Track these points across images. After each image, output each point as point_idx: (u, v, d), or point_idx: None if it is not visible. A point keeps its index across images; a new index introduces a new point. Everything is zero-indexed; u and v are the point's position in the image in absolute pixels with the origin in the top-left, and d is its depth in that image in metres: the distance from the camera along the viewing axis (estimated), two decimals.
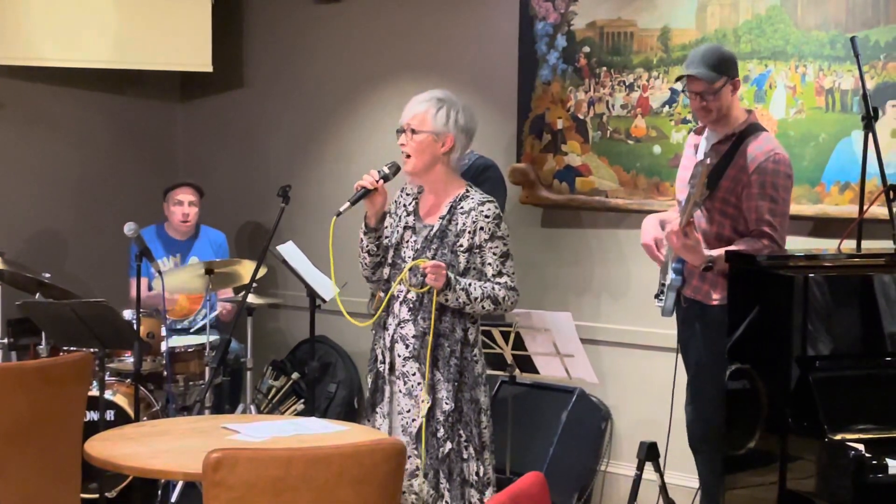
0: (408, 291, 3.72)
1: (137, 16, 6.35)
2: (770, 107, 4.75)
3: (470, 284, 3.66)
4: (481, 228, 3.70)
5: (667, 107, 5.08)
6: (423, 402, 3.68)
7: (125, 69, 6.52)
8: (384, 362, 3.78)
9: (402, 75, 6.03)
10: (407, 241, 3.77)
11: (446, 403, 3.68)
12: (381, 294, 3.84)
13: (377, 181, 3.72)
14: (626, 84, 5.20)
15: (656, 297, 4.20)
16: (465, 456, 3.71)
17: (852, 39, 4.08)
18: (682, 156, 4.66)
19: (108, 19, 6.29)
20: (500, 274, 3.72)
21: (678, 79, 4.19)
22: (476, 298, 3.66)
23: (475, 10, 5.80)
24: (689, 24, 5.00)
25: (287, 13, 6.65)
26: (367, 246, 3.80)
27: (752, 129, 4.05)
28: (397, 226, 3.81)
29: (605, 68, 5.27)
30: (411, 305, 3.73)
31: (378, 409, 3.80)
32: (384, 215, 3.82)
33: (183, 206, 5.95)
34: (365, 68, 6.26)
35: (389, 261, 3.80)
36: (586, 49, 5.31)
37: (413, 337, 3.72)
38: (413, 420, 3.71)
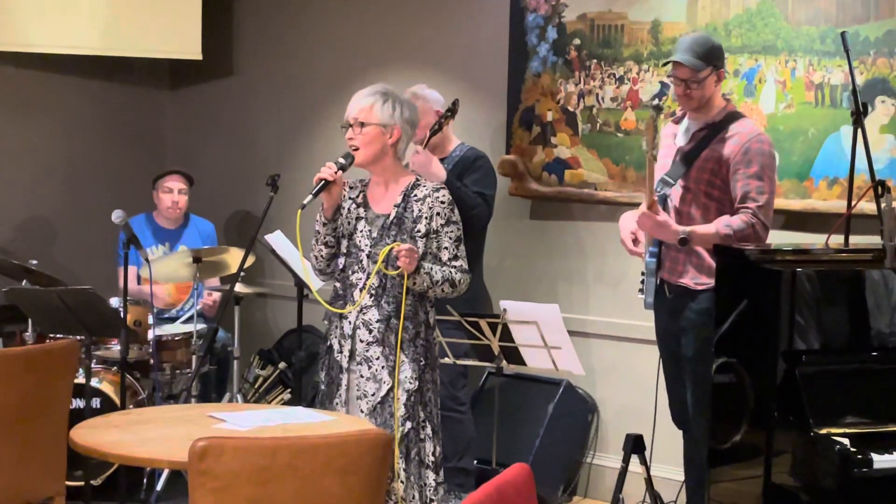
0: (368, 279, 3.77)
1: (127, 3, 6.32)
2: (759, 101, 4.76)
3: (432, 268, 3.75)
4: (437, 214, 3.78)
5: (657, 100, 5.08)
6: (384, 382, 3.75)
7: (114, 56, 6.49)
8: (341, 351, 3.83)
9: (393, 65, 6.02)
10: (361, 231, 3.83)
11: (410, 383, 3.75)
12: (337, 285, 3.86)
13: (335, 172, 3.78)
14: (617, 77, 5.20)
15: (640, 291, 4.25)
16: (422, 436, 3.79)
17: (842, 35, 4.09)
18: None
19: (97, 6, 6.26)
20: (455, 258, 3.81)
21: (664, 63, 4.24)
22: (437, 282, 3.75)
23: (466, 0, 5.79)
24: (679, 18, 5.01)
25: (277, 1, 6.63)
26: (325, 238, 3.87)
27: (732, 116, 4.13)
28: (348, 216, 3.87)
29: (595, 61, 5.26)
30: (373, 291, 3.78)
31: (336, 398, 3.84)
32: (339, 206, 3.87)
33: (172, 194, 5.93)
34: (355, 58, 6.25)
35: (344, 250, 3.86)
36: (577, 41, 5.31)
37: (377, 321, 3.77)
38: (379, 402, 3.77)
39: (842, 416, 3.39)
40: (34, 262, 5.40)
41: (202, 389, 5.46)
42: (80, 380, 4.76)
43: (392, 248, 3.71)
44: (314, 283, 5.20)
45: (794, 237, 4.64)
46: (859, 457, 3.27)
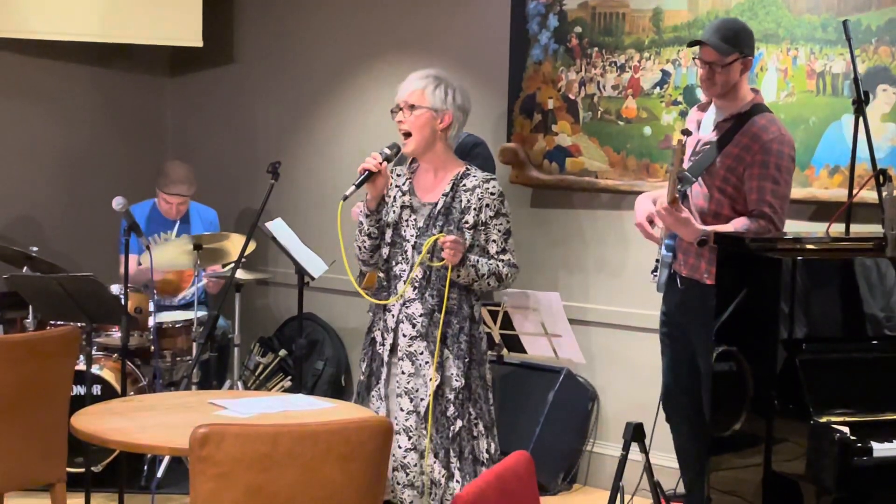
0: (411, 270, 3.71)
1: None
2: (761, 89, 4.73)
3: (478, 261, 3.67)
4: (487, 206, 3.71)
5: (658, 88, 5.07)
6: (431, 380, 3.65)
7: (114, 43, 6.48)
8: (384, 344, 3.76)
9: (394, 53, 6.01)
10: (406, 220, 3.75)
11: (456, 381, 3.66)
12: (380, 273, 3.80)
13: (380, 163, 3.69)
14: (618, 65, 5.20)
15: (652, 272, 4.19)
16: (475, 433, 3.71)
17: (844, 23, 4.07)
18: (672, 137, 4.66)
19: None
20: (503, 251, 3.73)
21: (690, 44, 4.12)
22: (483, 275, 3.67)
23: None
24: (681, 6, 4.99)
25: None
26: (368, 229, 3.77)
27: (757, 109, 4.02)
28: (393, 205, 3.79)
29: (596, 49, 5.26)
30: (416, 284, 3.71)
31: (374, 392, 3.76)
32: (383, 197, 3.79)
33: (172, 207, 5.91)
34: (356, 45, 6.24)
35: (388, 240, 3.78)
36: (578, 29, 5.30)
37: (420, 315, 3.69)
38: (422, 399, 3.68)
39: (842, 405, 3.39)
40: (35, 248, 5.40)
41: (203, 376, 5.46)
42: (81, 367, 4.76)
43: (437, 239, 3.62)
44: (316, 271, 5.22)
45: (795, 226, 4.64)
46: (859, 445, 3.27)
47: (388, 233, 3.77)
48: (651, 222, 4.14)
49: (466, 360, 3.68)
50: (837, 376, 3.46)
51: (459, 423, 3.66)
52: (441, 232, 3.67)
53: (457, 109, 3.74)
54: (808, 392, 3.37)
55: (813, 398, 3.36)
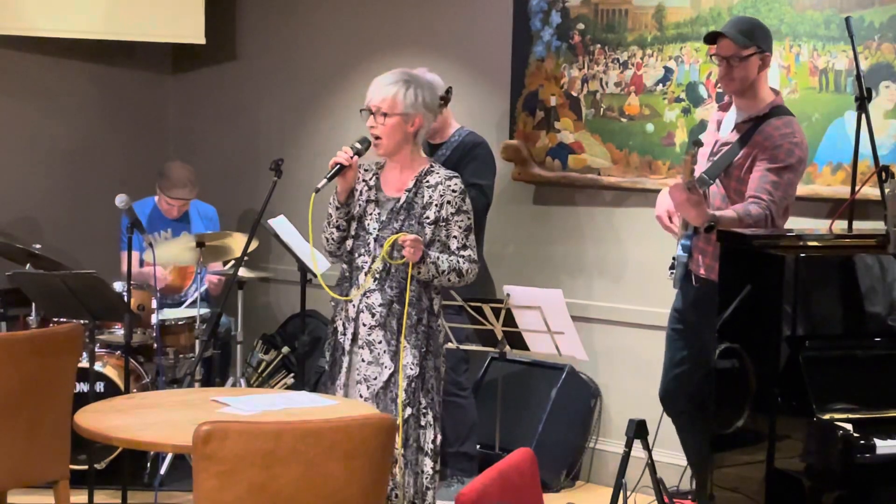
0: (372, 262, 3.78)
1: None
2: None
3: (438, 258, 3.74)
4: (448, 202, 3.77)
5: (660, 85, 5.07)
6: (385, 367, 3.75)
7: (116, 40, 6.48)
8: (345, 333, 3.83)
9: (396, 49, 6.00)
10: (370, 214, 3.83)
11: (411, 369, 3.74)
12: (344, 267, 3.87)
13: (351, 157, 3.78)
14: (620, 62, 5.19)
15: (670, 269, 4.18)
16: (423, 423, 3.78)
17: (847, 20, 4.07)
18: (674, 134, 4.66)
19: None
20: (464, 247, 3.79)
21: (707, 38, 4.10)
22: (443, 272, 3.74)
23: None
24: (683, 3, 4.99)
25: None
26: (337, 221, 3.86)
27: (776, 112, 4.01)
28: (359, 199, 3.86)
29: (599, 46, 5.25)
30: (376, 276, 3.78)
31: (337, 381, 3.84)
32: (352, 191, 3.86)
33: (174, 208, 5.91)
34: (358, 42, 6.23)
35: (353, 233, 3.86)
36: (581, 26, 5.30)
37: (380, 305, 3.77)
38: (379, 387, 3.77)
39: (845, 402, 3.39)
40: (38, 246, 5.40)
41: (205, 374, 5.47)
42: (84, 364, 4.76)
43: (397, 238, 3.70)
44: (320, 266, 5.21)
45: (798, 222, 4.63)
46: (862, 442, 3.27)
47: (354, 225, 3.85)
48: (670, 217, 4.13)
49: (423, 350, 3.76)
50: (840, 373, 3.46)
51: (409, 410, 3.74)
52: (402, 227, 3.74)
53: (426, 110, 3.81)
54: (811, 389, 3.37)
55: (816, 395, 3.36)
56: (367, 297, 3.79)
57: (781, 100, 4.10)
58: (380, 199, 3.84)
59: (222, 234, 5.49)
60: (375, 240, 3.79)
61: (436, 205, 3.76)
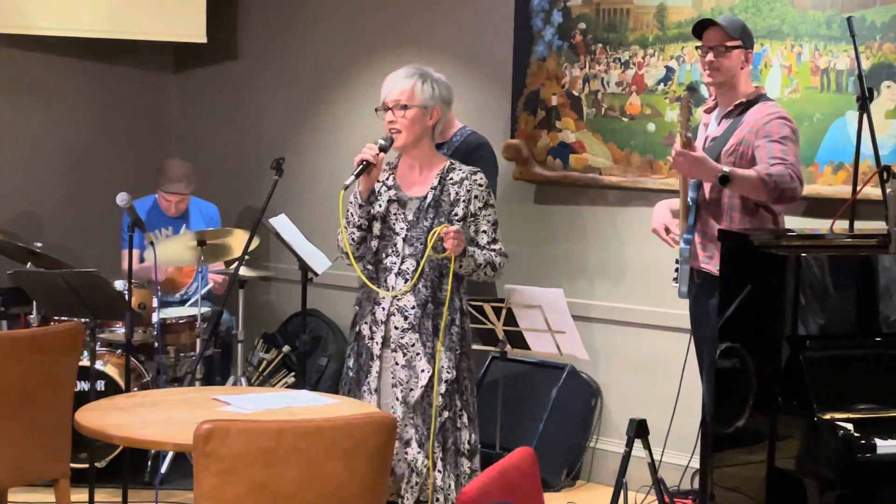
0: (401, 263, 3.74)
1: None
2: (765, 86, 4.74)
3: (475, 252, 3.72)
4: (476, 197, 3.76)
5: (662, 85, 5.07)
6: (422, 371, 3.70)
7: (118, 39, 6.48)
8: (373, 337, 3.78)
9: (397, 48, 6.00)
10: (395, 214, 3.79)
11: (448, 372, 3.71)
12: (370, 268, 3.83)
13: (377, 154, 3.73)
14: (622, 61, 5.19)
15: (674, 280, 4.20)
16: (459, 425, 3.75)
17: (849, 20, 4.08)
18: (675, 134, 4.65)
19: None
20: (494, 241, 3.79)
21: (695, 27, 4.16)
22: (480, 265, 3.73)
23: None
24: (685, 2, 4.99)
25: None
26: (359, 221, 3.80)
27: (761, 98, 4.09)
28: (379, 199, 3.83)
29: (600, 45, 5.25)
30: (407, 277, 3.74)
31: (365, 386, 3.78)
32: (374, 189, 3.83)
33: (172, 205, 5.92)
34: (360, 41, 6.23)
35: (377, 233, 3.81)
36: (582, 25, 5.30)
37: (413, 307, 3.73)
38: (411, 390, 3.72)
39: (846, 402, 3.39)
40: (39, 244, 5.40)
41: (206, 372, 5.47)
42: (85, 362, 4.76)
43: (439, 231, 3.66)
44: (321, 266, 5.21)
45: (799, 222, 4.64)
46: (863, 442, 3.27)
47: (377, 226, 3.81)
48: (667, 230, 4.17)
49: (457, 352, 3.75)
50: (841, 373, 3.46)
51: (446, 413, 3.72)
52: (432, 225, 3.72)
53: (443, 103, 3.81)
54: (812, 389, 3.37)
55: (817, 395, 3.36)
56: (399, 300, 3.74)
57: (764, 90, 4.18)
58: (402, 199, 3.80)
59: (223, 231, 5.49)
60: (405, 240, 3.75)
61: (463, 200, 3.75)
